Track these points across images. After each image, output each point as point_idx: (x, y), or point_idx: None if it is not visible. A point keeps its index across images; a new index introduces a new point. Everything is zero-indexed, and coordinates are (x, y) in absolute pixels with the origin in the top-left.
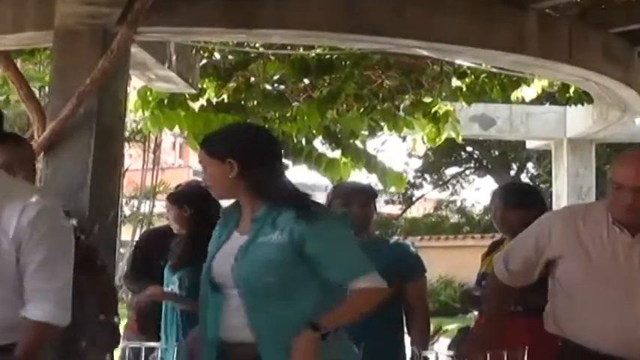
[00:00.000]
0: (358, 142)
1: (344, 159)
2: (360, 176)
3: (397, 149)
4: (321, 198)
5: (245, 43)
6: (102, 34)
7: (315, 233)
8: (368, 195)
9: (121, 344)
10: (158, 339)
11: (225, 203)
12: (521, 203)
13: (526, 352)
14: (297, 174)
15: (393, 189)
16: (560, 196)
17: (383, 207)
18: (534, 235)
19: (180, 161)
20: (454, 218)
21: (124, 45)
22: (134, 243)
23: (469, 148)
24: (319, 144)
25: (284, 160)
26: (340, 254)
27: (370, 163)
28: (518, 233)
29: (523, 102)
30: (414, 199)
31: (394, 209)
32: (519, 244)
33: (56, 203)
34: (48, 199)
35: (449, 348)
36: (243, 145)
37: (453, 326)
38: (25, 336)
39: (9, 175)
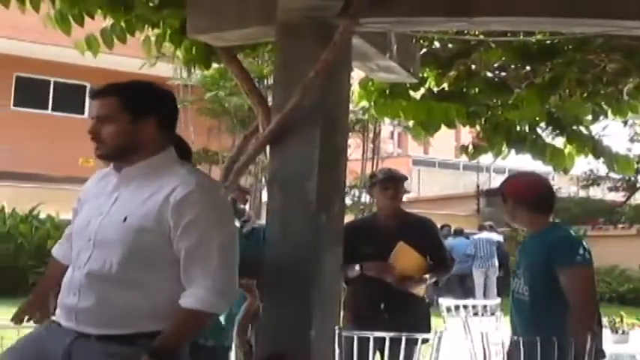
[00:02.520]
0: (582, 128)
1: (568, 147)
2: (582, 162)
3: (619, 134)
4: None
5: (465, 31)
6: (324, 26)
7: None
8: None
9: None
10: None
11: None
12: None
13: None
14: (521, 162)
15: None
16: None
17: (607, 194)
18: None
19: (398, 150)
20: None
21: (346, 37)
22: None
23: None
24: (541, 131)
25: None
26: None
27: (597, 148)
28: None
29: None
30: (638, 185)
31: (617, 196)
32: None
33: (211, 182)
34: (202, 178)
35: None
36: None
37: None
38: (172, 323)
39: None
